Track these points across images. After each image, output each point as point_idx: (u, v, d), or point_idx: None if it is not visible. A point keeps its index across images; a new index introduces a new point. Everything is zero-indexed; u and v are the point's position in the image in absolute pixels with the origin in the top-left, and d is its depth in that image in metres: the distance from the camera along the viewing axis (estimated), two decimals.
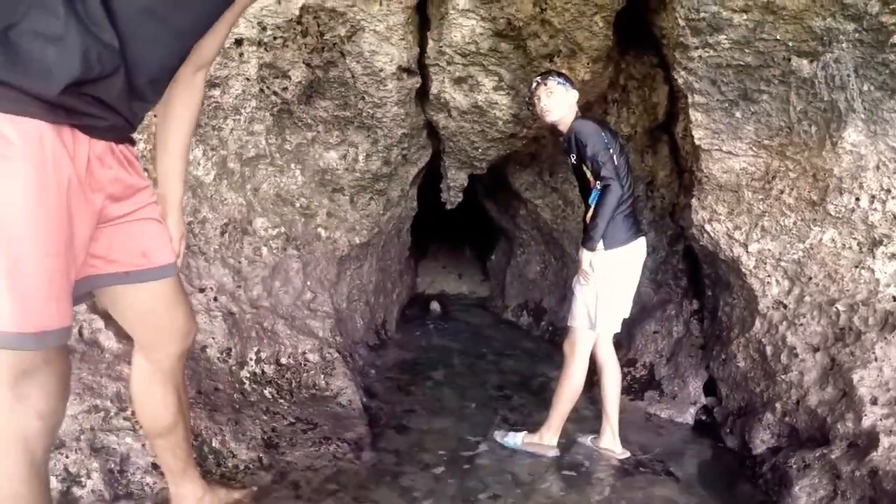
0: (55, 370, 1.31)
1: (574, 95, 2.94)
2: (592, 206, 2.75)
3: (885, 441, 2.43)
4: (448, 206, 4.38)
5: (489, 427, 3.21)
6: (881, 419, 2.53)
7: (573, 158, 2.85)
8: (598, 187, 2.72)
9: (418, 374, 4.08)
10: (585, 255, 2.80)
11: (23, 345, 1.20)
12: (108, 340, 2.46)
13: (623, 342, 4.04)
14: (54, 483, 2.00)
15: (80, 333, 2.44)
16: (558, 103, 2.90)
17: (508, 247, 5.94)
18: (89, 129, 1.30)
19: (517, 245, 5.68)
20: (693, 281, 3.89)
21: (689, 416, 3.51)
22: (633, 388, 3.75)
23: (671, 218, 3.99)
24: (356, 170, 3.65)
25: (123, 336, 2.43)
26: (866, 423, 2.54)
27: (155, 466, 2.19)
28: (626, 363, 3.87)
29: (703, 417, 3.49)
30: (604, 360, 3.01)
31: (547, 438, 2.95)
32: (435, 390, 3.81)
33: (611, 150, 2.74)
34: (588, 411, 3.44)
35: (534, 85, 2.98)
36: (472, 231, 7.43)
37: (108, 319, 2.46)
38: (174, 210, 1.72)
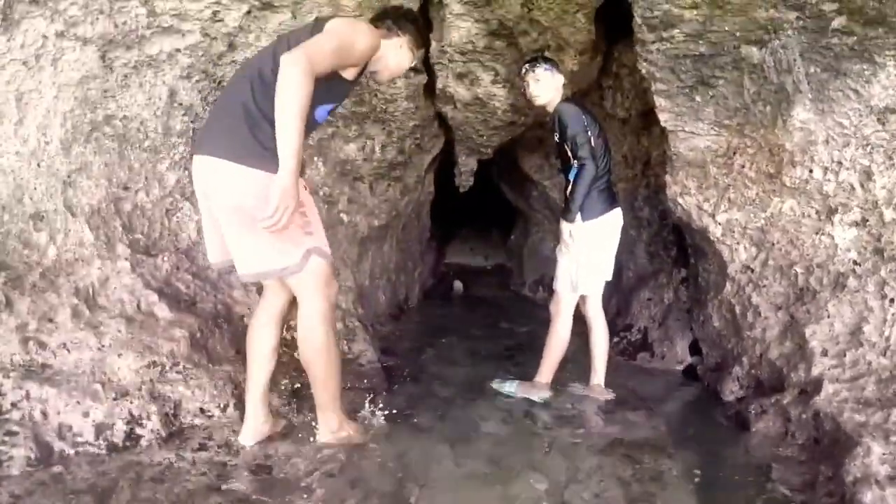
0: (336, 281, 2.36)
1: (560, 79, 3.23)
2: (571, 182, 3.12)
3: (829, 387, 2.66)
4: (462, 190, 4.79)
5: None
6: (829, 369, 2.75)
7: (556, 136, 3.20)
8: (576, 165, 3.08)
9: (435, 338, 4.45)
10: (565, 226, 3.16)
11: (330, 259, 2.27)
12: (162, 311, 2.86)
13: (621, 310, 4.39)
14: (121, 425, 2.41)
15: (139, 306, 2.82)
16: (545, 88, 3.21)
17: (525, 226, 6.29)
18: None
19: (532, 224, 6.02)
20: (682, 250, 4.16)
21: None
22: (628, 351, 4.10)
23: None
24: (373, 159, 4.07)
25: (174, 307, 2.95)
26: (815, 372, 2.77)
27: (202, 410, 2.69)
28: (624, 328, 4.22)
29: (689, 376, 3.79)
30: (592, 319, 3.37)
31: (539, 385, 3.30)
32: (449, 351, 4.17)
33: (589, 133, 3.08)
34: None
35: (522, 71, 3.29)
36: (498, 217, 7.80)
37: (161, 294, 2.95)
38: None
